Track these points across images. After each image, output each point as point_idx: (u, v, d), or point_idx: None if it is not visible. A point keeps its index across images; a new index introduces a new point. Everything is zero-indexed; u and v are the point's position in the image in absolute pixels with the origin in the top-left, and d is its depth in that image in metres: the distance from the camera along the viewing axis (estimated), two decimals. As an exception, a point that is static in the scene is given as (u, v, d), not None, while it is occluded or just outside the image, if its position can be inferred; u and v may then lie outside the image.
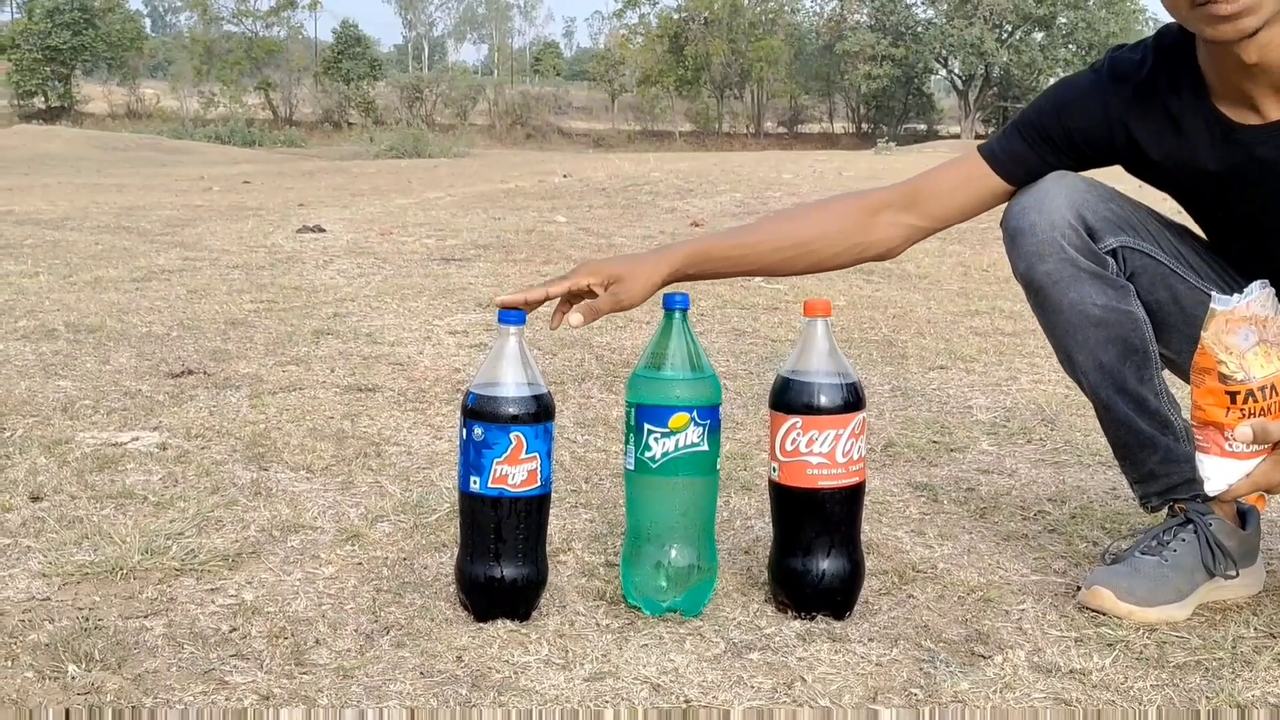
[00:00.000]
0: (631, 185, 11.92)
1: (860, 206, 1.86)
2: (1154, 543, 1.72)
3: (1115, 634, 1.60)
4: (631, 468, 1.65)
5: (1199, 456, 1.51)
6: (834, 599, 1.64)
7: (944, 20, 55.68)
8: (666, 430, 1.61)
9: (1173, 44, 1.70)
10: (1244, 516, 1.78)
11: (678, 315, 1.65)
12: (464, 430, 1.61)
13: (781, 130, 61.69)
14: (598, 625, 1.62)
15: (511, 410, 1.59)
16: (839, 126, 63.69)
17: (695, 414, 1.62)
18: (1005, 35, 55.89)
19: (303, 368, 3.32)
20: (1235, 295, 1.48)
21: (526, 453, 1.59)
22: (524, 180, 14.54)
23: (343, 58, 57.02)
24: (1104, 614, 1.65)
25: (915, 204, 1.83)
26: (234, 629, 1.58)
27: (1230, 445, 1.47)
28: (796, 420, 1.61)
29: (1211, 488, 1.51)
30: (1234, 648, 1.57)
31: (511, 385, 1.60)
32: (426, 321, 4.12)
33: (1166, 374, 1.79)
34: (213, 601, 1.67)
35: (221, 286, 4.93)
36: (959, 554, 1.93)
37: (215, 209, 9.44)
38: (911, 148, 40.01)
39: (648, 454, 1.62)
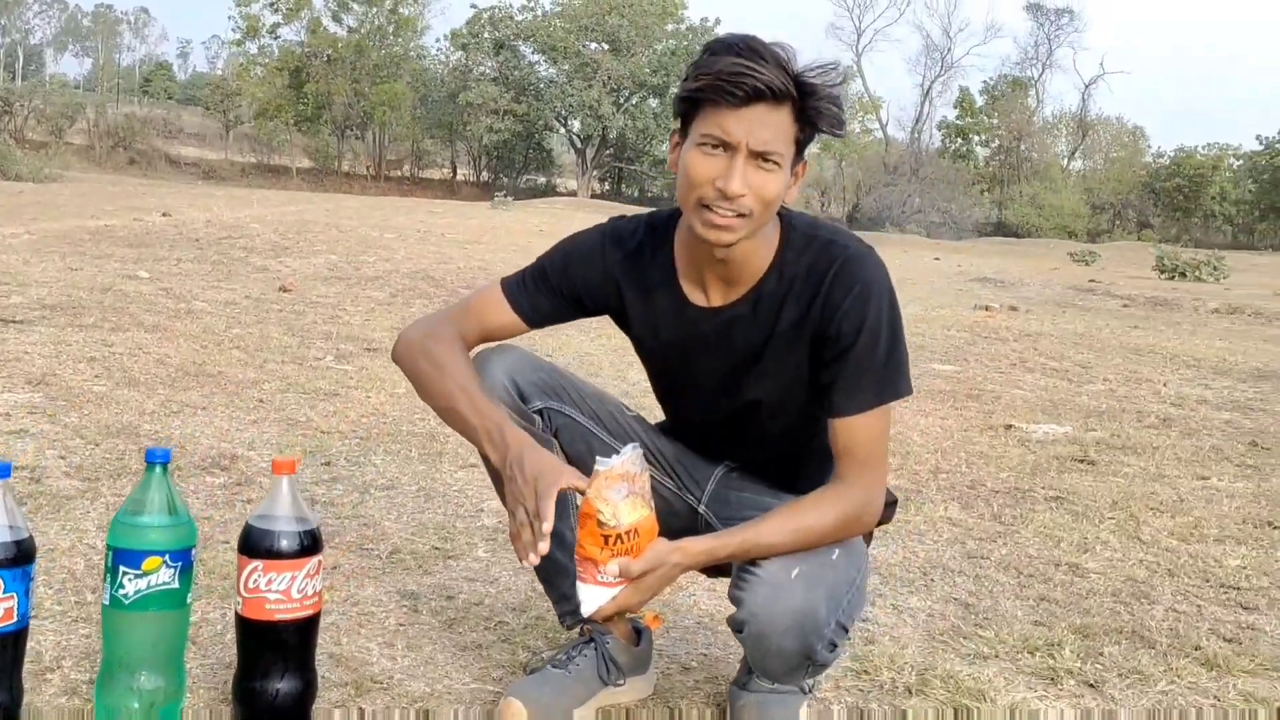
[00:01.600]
0: (227, 237, 11.78)
1: (462, 344, 2.09)
2: (563, 657, 2.11)
3: (518, 739, 1.96)
4: (107, 602, 1.86)
5: (578, 584, 1.87)
6: (288, 714, 1.91)
7: (565, 80, 57.64)
8: (140, 571, 1.83)
9: (660, 224, 2.09)
10: (639, 634, 2.20)
11: (158, 469, 1.87)
12: (-55, 571, 1.77)
13: (403, 175, 61.68)
14: (68, 745, 1.82)
15: (-9, 554, 1.76)
16: (461, 174, 64.40)
17: (168, 557, 1.85)
18: (622, 100, 58.50)
19: None
20: (615, 456, 1.87)
21: (4, 593, 1.77)
22: (117, 218, 14.01)
23: (-80, 61, 52.22)
24: (515, 720, 2.01)
25: (465, 322, 2.11)
26: None
27: (601, 576, 1.85)
28: (258, 564, 1.87)
29: (586, 609, 1.87)
30: (606, 748, 1.97)
31: (-8, 531, 1.77)
32: (-32, 401, 4.08)
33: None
34: None
35: None
36: (418, 665, 2.25)
37: None
38: (530, 203, 41.04)
39: (121, 591, 1.84)
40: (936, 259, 26.83)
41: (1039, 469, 4.52)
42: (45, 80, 66.94)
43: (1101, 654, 2.62)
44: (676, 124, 1.94)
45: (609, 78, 56.85)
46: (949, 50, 70.52)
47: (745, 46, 1.82)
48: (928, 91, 69.45)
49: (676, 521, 2.17)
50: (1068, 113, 73.33)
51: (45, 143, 46.16)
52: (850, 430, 1.93)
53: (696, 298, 2.05)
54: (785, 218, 2.02)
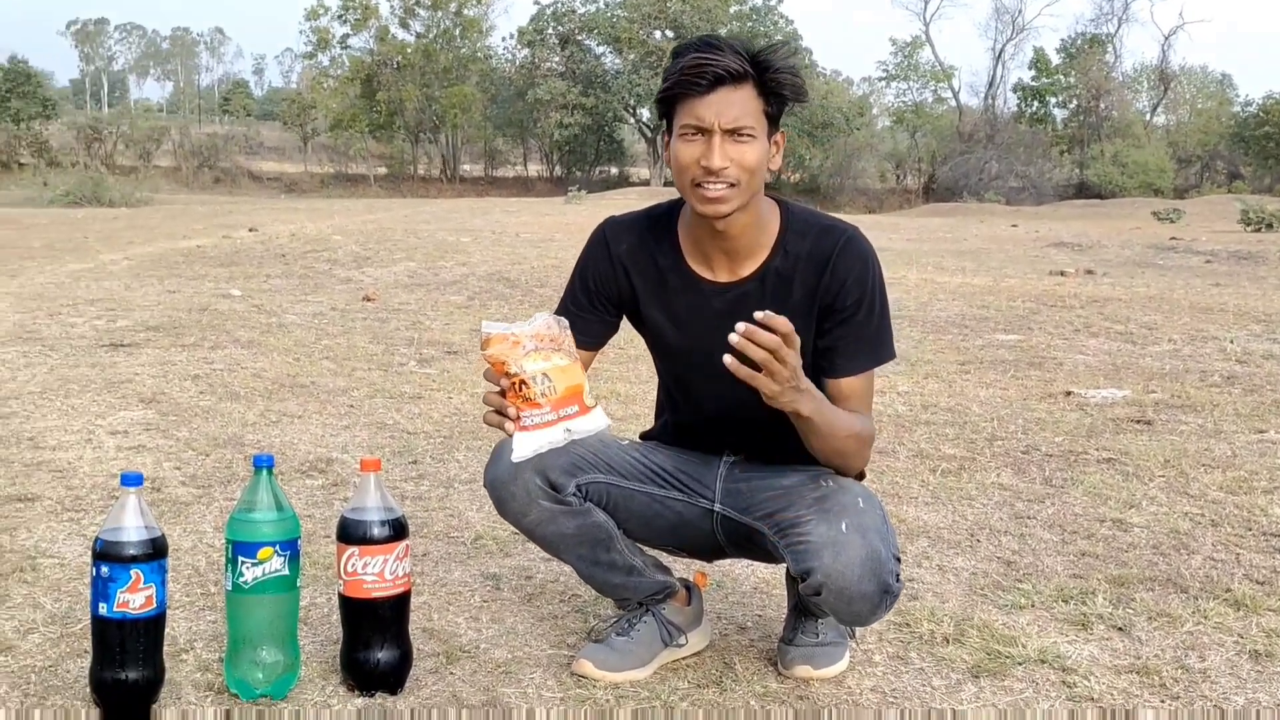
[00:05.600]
0: (312, 250, 12.21)
1: None
2: (625, 625, 2.37)
3: (589, 693, 2.23)
4: (230, 589, 2.16)
5: (517, 436, 2.05)
6: (388, 680, 2.20)
7: (631, 70, 57.82)
8: (256, 560, 2.13)
9: (661, 214, 2.35)
10: (690, 594, 2.46)
11: (264, 472, 2.17)
12: (93, 568, 2.08)
13: (478, 174, 62.40)
14: (204, 711, 2.12)
15: (131, 552, 2.07)
16: (534, 170, 64.94)
17: (278, 546, 2.14)
18: (689, 86, 58.43)
19: (-37, 478, 3.62)
20: (516, 324, 2.07)
21: (144, 584, 2.07)
22: (207, 237, 14.54)
23: (12, 95, 53.93)
24: (587, 679, 2.28)
25: None
26: (-99, 737, 1.99)
27: (523, 421, 2.04)
28: (354, 549, 2.16)
29: (514, 456, 2.07)
30: (666, 698, 2.23)
31: (131, 531, 2.08)
32: (89, 421, 4.44)
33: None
34: (-118, 715, 2.07)
35: (-121, 384, 5.06)
36: (501, 635, 2.52)
37: None
38: (604, 195, 41.33)
39: (241, 579, 2.13)
40: (1014, 226, 26.64)
41: (1094, 432, 4.69)
42: (130, 106, 68.69)
43: (1134, 600, 2.82)
44: (663, 125, 2.20)
45: (676, 65, 56.90)
46: (1020, 11, 69.53)
47: (703, 43, 2.12)
48: (1000, 55, 68.49)
49: (690, 530, 2.39)
50: (1148, 66, 71.85)
51: (134, 167, 47.48)
52: (850, 388, 2.23)
53: (705, 274, 2.28)
54: (783, 205, 2.28)
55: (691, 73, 2.08)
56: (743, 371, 1.94)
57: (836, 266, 2.21)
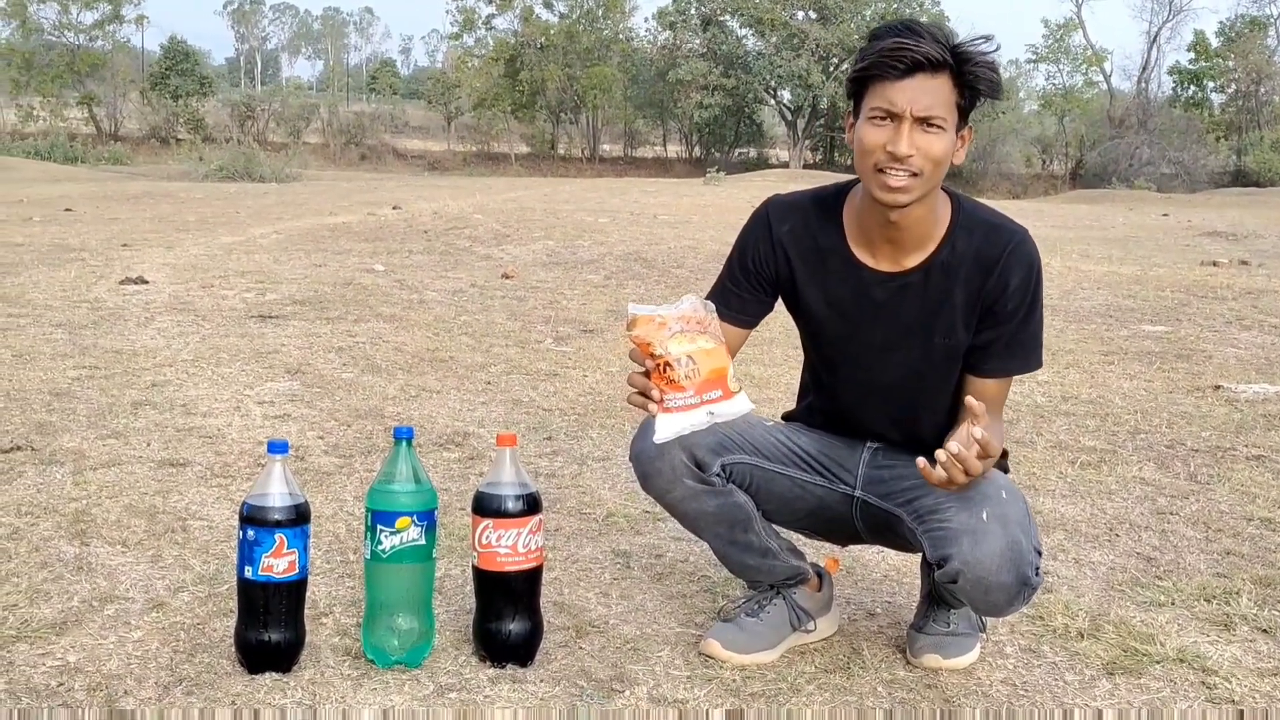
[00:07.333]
0: (453, 228, 12.41)
1: None
2: (755, 606, 2.38)
3: (716, 673, 2.24)
4: (368, 557, 2.22)
5: (660, 417, 2.07)
6: (519, 652, 2.24)
7: (773, 52, 57.38)
8: (394, 529, 2.19)
9: (828, 197, 2.32)
10: (821, 580, 2.45)
11: (404, 444, 2.22)
12: (240, 531, 2.16)
13: (617, 154, 62.66)
14: (342, 675, 2.19)
15: (276, 517, 2.14)
16: (673, 151, 64.94)
17: (415, 517, 2.20)
18: (831, 68, 57.87)
19: (121, 441, 3.78)
20: (663, 306, 2.09)
21: (288, 548, 2.15)
22: (352, 213, 14.85)
23: (171, 73, 55.90)
24: (714, 659, 2.29)
25: None
26: (61, 684, 2.10)
27: (667, 403, 2.05)
28: (489, 522, 2.20)
29: (656, 438, 2.10)
30: (794, 680, 2.23)
31: (276, 497, 2.15)
32: (238, 391, 4.60)
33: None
34: (43, 663, 2.18)
35: (46, 349, 5.31)
36: (629, 612, 2.55)
37: (36, 249, 9.63)
38: (742, 177, 41.10)
39: (380, 547, 2.19)
40: (1165, 215, 25.75)
41: (1244, 428, 4.53)
42: (282, 84, 70.62)
43: (1281, 603, 2.73)
44: (850, 106, 2.17)
45: (817, 46, 56.34)
46: (1177, -8, 66.85)
47: (904, 27, 2.08)
48: (1155, 38, 66.14)
49: (829, 514, 2.39)
50: (1312, 49, 68.50)
51: (285, 144, 48.65)
52: (993, 389, 2.24)
53: (869, 261, 2.25)
54: (955, 198, 2.23)
55: (890, 56, 2.04)
56: (935, 477, 2.00)
57: (1004, 270, 2.18)
